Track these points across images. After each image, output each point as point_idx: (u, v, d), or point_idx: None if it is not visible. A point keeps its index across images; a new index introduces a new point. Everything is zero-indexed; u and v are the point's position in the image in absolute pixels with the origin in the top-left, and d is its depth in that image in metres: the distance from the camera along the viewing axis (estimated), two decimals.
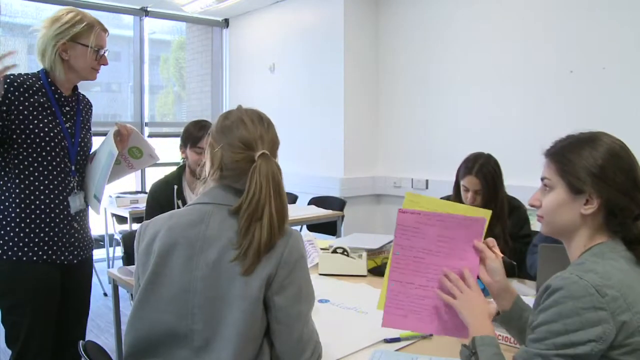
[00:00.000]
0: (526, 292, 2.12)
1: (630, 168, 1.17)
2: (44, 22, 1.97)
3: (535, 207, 1.26)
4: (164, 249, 1.34)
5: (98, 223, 4.40)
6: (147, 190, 2.85)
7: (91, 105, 2.22)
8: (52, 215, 1.96)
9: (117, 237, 4.73)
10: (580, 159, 1.17)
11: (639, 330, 1.05)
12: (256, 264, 1.29)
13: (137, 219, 4.31)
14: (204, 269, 1.32)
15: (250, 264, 1.29)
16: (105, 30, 2.04)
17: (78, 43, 1.96)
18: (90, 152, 2.16)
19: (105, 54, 2.05)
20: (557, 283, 1.09)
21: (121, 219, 4.70)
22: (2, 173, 1.93)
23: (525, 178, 2.57)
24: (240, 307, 1.29)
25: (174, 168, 2.66)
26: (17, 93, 1.90)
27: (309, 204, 4.67)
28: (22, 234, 1.92)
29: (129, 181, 5.45)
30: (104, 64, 2.06)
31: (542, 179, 1.24)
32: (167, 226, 1.37)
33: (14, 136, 1.89)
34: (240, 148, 1.35)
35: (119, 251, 4.72)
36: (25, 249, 1.92)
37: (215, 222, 1.35)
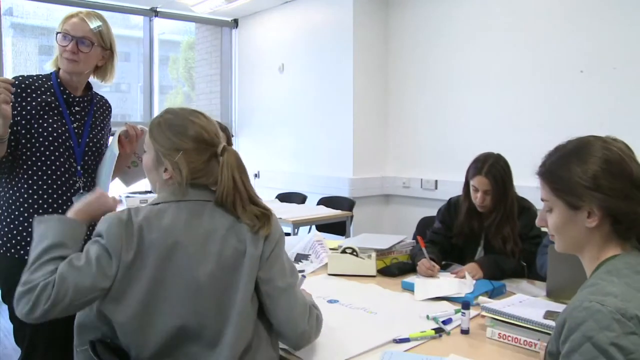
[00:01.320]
0: (536, 294, 2.11)
1: (626, 170, 1.13)
2: None
3: (543, 227, 1.26)
4: (165, 251, 1.32)
5: None
6: None
7: (109, 107, 2.21)
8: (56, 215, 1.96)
9: None
10: (571, 175, 1.15)
11: None
12: (262, 223, 1.40)
13: None
14: (209, 263, 1.34)
15: (256, 224, 1.39)
16: (82, 19, 1.95)
17: (58, 32, 1.96)
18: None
19: (76, 44, 1.93)
20: (579, 315, 1.03)
21: None
22: (10, 172, 1.94)
23: (535, 179, 2.56)
24: (242, 289, 1.35)
25: None
26: (24, 94, 1.91)
27: (318, 204, 4.67)
28: (25, 234, 1.92)
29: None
30: (70, 51, 1.94)
31: (542, 200, 1.24)
32: (160, 226, 1.34)
33: (18, 136, 1.90)
34: (205, 149, 1.42)
35: None
36: (29, 248, 1.92)
37: (207, 216, 1.39)
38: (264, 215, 1.42)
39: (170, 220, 1.35)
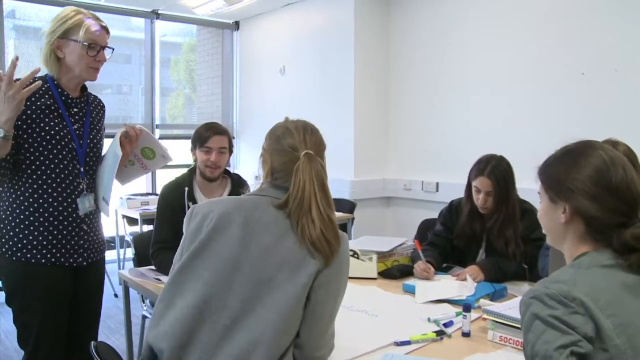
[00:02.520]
0: None
1: (608, 178, 1.16)
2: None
3: None
4: (219, 224, 1.41)
5: (109, 224, 4.43)
6: (158, 192, 2.85)
7: (103, 107, 2.21)
8: (61, 217, 1.96)
9: (128, 238, 4.75)
10: (559, 172, 1.23)
11: (616, 333, 1.06)
12: (312, 253, 1.37)
13: (147, 220, 4.32)
14: (255, 250, 1.38)
15: (305, 253, 1.37)
16: (101, 27, 1.98)
17: (69, 39, 1.94)
18: (102, 154, 2.16)
19: (104, 52, 1.98)
20: (529, 301, 1.13)
21: (132, 221, 4.73)
22: (13, 176, 1.93)
23: (537, 181, 2.55)
24: (285, 291, 1.35)
25: (185, 170, 2.67)
26: None
27: None
28: (30, 237, 1.92)
29: (140, 183, 5.47)
30: (100, 61, 1.99)
31: (538, 193, 1.32)
32: (224, 205, 1.45)
33: (21, 141, 1.89)
34: (286, 151, 1.47)
35: (130, 252, 4.75)
36: (34, 251, 1.93)
37: (271, 211, 1.43)
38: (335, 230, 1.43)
39: (233, 202, 1.47)
